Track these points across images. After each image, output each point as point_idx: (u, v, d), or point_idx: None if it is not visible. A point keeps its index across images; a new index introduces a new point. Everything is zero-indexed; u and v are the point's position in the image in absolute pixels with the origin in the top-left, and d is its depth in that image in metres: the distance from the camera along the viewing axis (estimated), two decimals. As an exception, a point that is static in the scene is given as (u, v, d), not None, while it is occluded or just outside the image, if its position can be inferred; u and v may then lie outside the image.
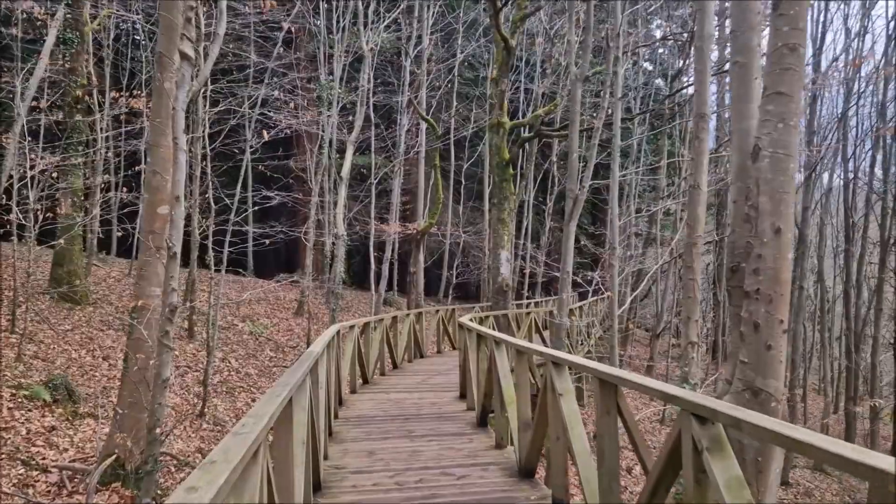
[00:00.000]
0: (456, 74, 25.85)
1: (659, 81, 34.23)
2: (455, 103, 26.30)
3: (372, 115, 20.03)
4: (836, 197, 25.45)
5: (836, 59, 23.05)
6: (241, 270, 16.29)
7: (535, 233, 29.02)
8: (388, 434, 7.13)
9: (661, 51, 34.70)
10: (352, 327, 10.03)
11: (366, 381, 10.83)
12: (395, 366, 12.98)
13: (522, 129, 19.98)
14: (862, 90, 22.82)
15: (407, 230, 21.04)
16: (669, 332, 24.75)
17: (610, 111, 10.45)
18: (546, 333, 16.87)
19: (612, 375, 3.62)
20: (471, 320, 10.14)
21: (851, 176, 23.21)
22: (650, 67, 34.81)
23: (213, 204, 12.80)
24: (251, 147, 14.84)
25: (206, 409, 10.50)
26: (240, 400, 12.18)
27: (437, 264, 28.28)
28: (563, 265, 9.81)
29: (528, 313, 16.55)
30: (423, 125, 22.92)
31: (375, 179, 20.11)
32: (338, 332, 8.47)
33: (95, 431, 7.76)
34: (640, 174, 24.53)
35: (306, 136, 21.28)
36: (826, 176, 25.46)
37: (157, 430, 4.39)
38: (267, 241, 15.28)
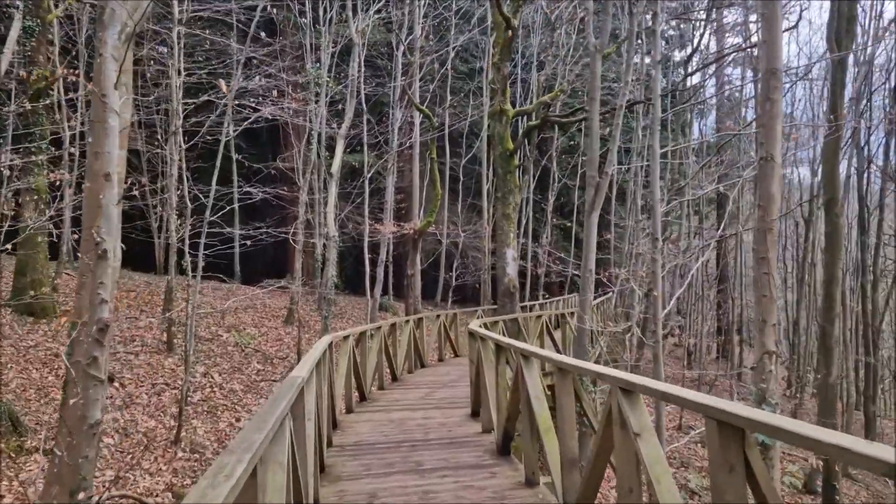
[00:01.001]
0: (449, 68, 24.66)
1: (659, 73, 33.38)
2: (449, 97, 25.11)
3: (364, 107, 18.82)
4: (851, 185, 24.32)
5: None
6: (222, 276, 14.97)
7: (534, 232, 27.89)
8: (391, 467, 5.95)
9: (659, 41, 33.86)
10: (346, 338, 8.83)
11: (363, 398, 9.63)
12: (394, 378, 11.78)
13: (524, 117, 18.83)
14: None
15: (403, 230, 19.79)
16: (686, 335, 23.62)
17: (647, 73, 9.21)
18: (557, 335, 15.64)
19: (740, 417, 2.42)
20: (478, 327, 8.96)
21: (866, 164, 22.21)
22: (648, 60, 33.98)
23: (188, 203, 11.53)
24: (230, 135, 13.55)
25: (182, 435, 9.24)
26: (223, 420, 10.92)
27: (433, 266, 27.09)
28: (586, 262, 8.64)
29: (539, 316, 15.32)
30: (417, 120, 21.69)
31: (368, 175, 18.88)
32: (330, 345, 7.30)
33: (44, 470, 6.51)
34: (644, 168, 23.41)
35: (293, 131, 20.04)
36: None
37: (81, 495, 3.17)
38: (248, 242, 14.02)
